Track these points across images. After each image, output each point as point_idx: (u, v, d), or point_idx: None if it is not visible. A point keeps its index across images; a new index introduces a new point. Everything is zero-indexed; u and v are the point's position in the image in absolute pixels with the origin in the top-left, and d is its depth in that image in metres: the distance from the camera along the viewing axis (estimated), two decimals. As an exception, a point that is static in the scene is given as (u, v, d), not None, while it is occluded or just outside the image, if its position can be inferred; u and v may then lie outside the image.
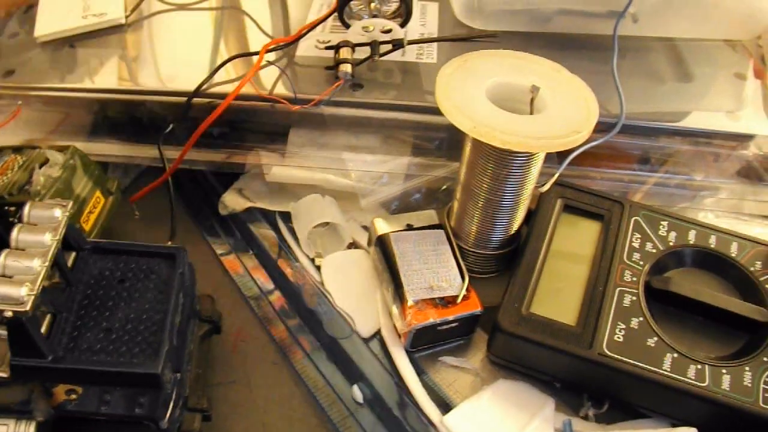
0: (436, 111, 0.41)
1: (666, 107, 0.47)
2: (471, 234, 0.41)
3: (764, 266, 0.40)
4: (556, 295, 0.38)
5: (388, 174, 0.44)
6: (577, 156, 0.42)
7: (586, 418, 0.37)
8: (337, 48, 0.45)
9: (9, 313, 0.29)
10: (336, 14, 0.46)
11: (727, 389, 0.35)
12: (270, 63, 0.46)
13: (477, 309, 0.38)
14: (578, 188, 0.43)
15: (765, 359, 0.36)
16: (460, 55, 0.39)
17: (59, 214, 0.33)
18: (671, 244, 0.41)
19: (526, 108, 0.38)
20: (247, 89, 0.43)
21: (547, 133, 0.35)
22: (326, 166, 0.44)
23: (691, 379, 0.35)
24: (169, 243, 0.41)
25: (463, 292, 0.38)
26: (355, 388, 0.38)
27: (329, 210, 0.43)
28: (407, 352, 0.39)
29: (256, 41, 0.49)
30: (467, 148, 0.38)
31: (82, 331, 0.33)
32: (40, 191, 0.39)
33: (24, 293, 0.30)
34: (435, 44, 0.48)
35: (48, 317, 0.33)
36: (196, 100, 0.44)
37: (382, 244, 0.41)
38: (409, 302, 0.38)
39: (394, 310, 0.39)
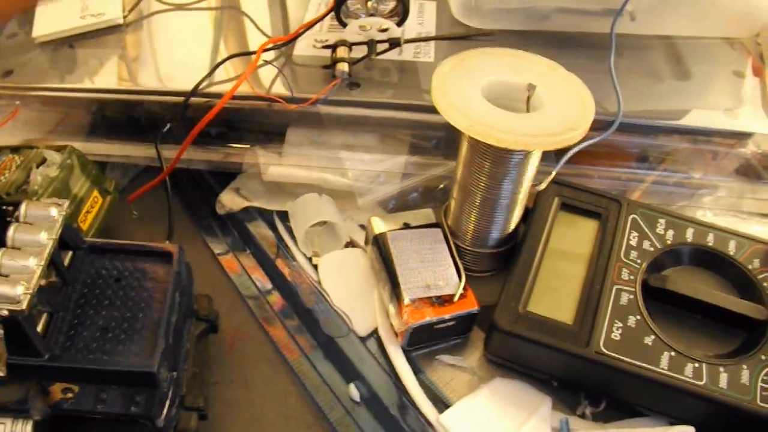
0: (434, 110, 0.41)
1: (664, 105, 0.47)
2: (468, 232, 0.41)
3: (762, 264, 0.40)
4: (554, 293, 0.38)
5: (385, 173, 0.44)
6: (574, 154, 0.41)
7: (583, 416, 0.37)
8: (333, 47, 0.45)
9: (5, 312, 0.30)
10: (333, 13, 0.46)
11: (725, 387, 0.34)
12: (267, 62, 0.46)
13: (474, 308, 0.38)
14: (575, 187, 0.43)
15: (763, 357, 0.35)
16: (457, 53, 0.39)
17: (55, 213, 0.33)
18: (669, 242, 0.40)
19: (522, 106, 0.38)
20: (244, 88, 0.44)
21: (543, 131, 0.35)
22: (323, 165, 0.44)
23: (688, 377, 0.35)
24: (167, 242, 0.41)
25: (460, 290, 0.38)
26: (352, 387, 0.38)
27: (326, 209, 0.43)
28: (404, 350, 0.39)
29: (255, 41, 0.49)
30: (464, 147, 0.38)
31: (79, 329, 0.33)
32: (37, 191, 0.39)
33: (20, 292, 0.30)
34: (432, 43, 0.48)
35: (45, 316, 0.33)
36: (193, 99, 0.44)
37: (379, 243, 0.41)
38: (406, 301, 0.38)
39: (391, 308, 0.39)
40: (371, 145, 0.45)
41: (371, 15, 0.46)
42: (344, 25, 0.46)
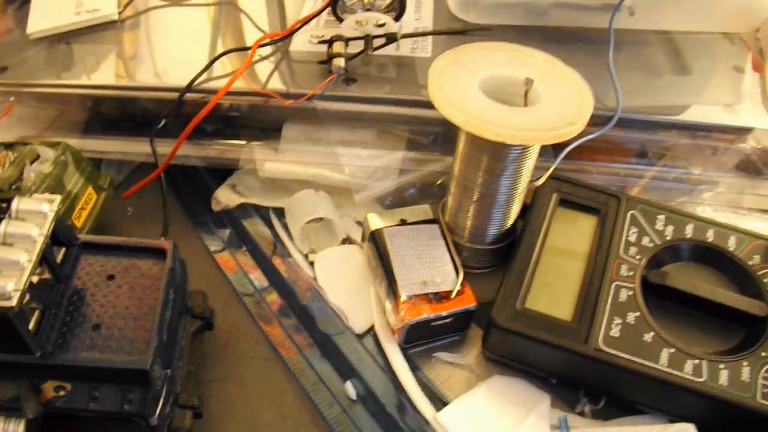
0: (431, 105, 0.40)
1: (663, 101, 0.46)
2: (466, 229, 0.41)
3: (762, 260, 0.39)
4: (552, 290, 0.38)
5: (382, 169, 0.44)
6: (573, 150, 0.41)
7: (582, 414, 0.37)
8: (330, 42, 0.44)
9: (-5, 309, 0.29)
10: (330, 9, 0.46)
11: (725, 384, 0.34)
12: (263, 58, 0.45)
13: (471, 304, 0.38)
14: (574, 182, 0.42)
15: (763, 354, 0.35)
16: (453, 48, 0.39)
17: (48, 208, 0.33)
18: (668, 238, 0.40)
19: (520, 101, 0.38)
20: (240, 84, 0.43)
21: (540, 125, 0.34)
22: (320, 161, 0.44)
23: (688, 374, 0.34)
24: (162, 239, 0.41)
25: (458, 287, 0.38)
26: (348, 385, 0.37)
27: (323, 205, 0.43)
28: (401, 348, 0.39)
29: (251, 37, 0.49)
30: (461, 142, 0.38)
31: (71, 327, 0.33)
32: (30, 188, 0.39)
33: (10, 288, 0.29)
34: (429, 38, 0.47)
35: (36, 313, 0.33)
36: (189, 95, 0.44)
37: (375, 240, 0.40)
38: (403, 297, 0.37)
39: (388, 305, 0.38)
40: (368, 140, 0.44)
41: (368, 10, 0.46)
42: (341, 20, 0.46)
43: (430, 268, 0.38)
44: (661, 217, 0.41)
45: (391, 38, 0.44)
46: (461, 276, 0.38)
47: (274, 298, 0.41)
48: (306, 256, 0.43)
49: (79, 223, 0.41)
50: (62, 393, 0.32)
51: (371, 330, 0.40)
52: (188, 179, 0.48)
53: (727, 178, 0.46)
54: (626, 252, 0.39)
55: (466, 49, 0.39)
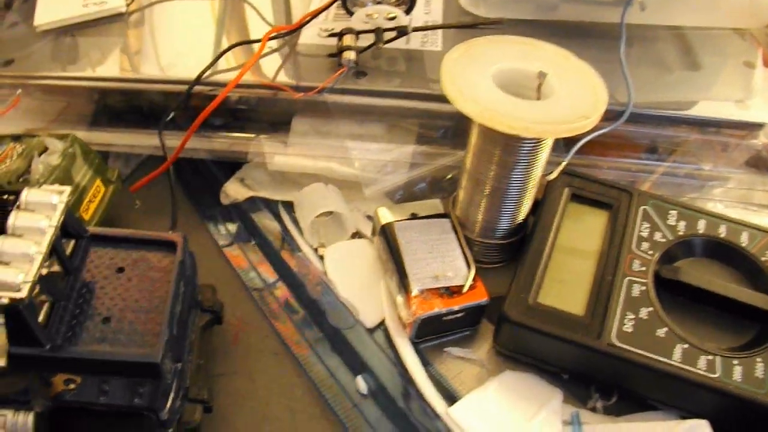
0: (441, 99, 0.40)
1: (674, 96, 0.46)
2: (477, 223, 0.41)
3: (775, 256, 0.39)
4: (564, 285, 0.38)
5: (392, 162, 0.44)
6: (584, 145, 0.41)
7: (594, 410, 0.36)
8: (340, 35, 0.44)
9: (5, 300, 0.29)
10: (339, 2, 0.45)
11: (739, 380, 0.34)
12: (271, 51, 0.45)
13: (483, 299, 0.38)
14: (586, 177, 0.42)
15: (777, 350, 0.35)
16: (465, 41, 0.39)
17: (57, 200, 0.32)
18: (680, 233, 0.40)
19: (532, 94, 0.38)
20: (249, 77, 0.43)
21: (554, 118, 0.34)
22: (329, 155, 0.43)
23: (701, 370, 0.34)
24: (170, 232, 0.41)
25: (470, 281, 0.38)
26: (359, 380, 0.37)
27: (332, 199, 0.42)
28: (412, 342, 0.38)
29: (259, 29, 0.49)
30: (473, 135, 0.38)
31: (81, 319, 0.32)
32: (39, 180, 0.38)
33: (20, 280, 0.29)
34: (439, 32, 0.47)
35: (46, 306, 0.32)
36: (197, 88, 0.43)
37: (386, 234, 0.40)
38: (414, 292, 0.37)
39: (399, 299, 0.38)
40: (378, 134, 0.44)
41: (378, 3, 0.45)
42: (351, 13, 0.45)
43: (442, 263, 0.38)
44: (673, 212, 0.41)
45: (401, 31, 0.44)
46: (473, 270, 0.38)
47: (283, 292, 0.41)
48: (315, 250, 0.43)
49: (87, 216, 0.41)
50: (72, 386, 0.32)
51: (382, 324, 0.39)
52: (196, 172, 0.48)
53: (737, 174, 0.45)
54: (638, 247, 0.39)
55: (479, 42, 0.39)
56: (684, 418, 0.36)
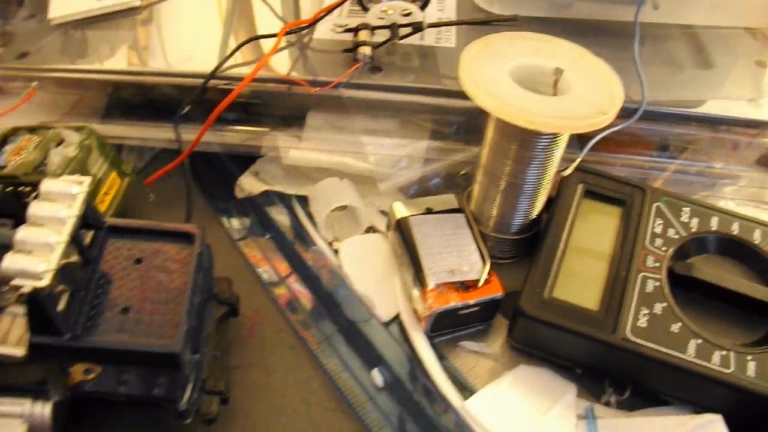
0: (455, 95, 0.41)
1: (686, 95, 0.46)
2: (491, 218, 0.41)
3: (788, 253, 0.39)
4: (579, 280, 0.38)
5: (407, 158, 0.44)
6: (597, 142, 0.41)
7: (608, 404, 0.37)
8: (356, 30, 0.44)
9: (27, 289, 0.29)
10: (354, -2, 0.46)
11: (753, 376, 0.34)
12: (285, 47, 0.45)
13: (498, 293, 0.38)
14: (599, 174, 0.42)
15: (791, 346, 0.35)
16: (481, 38, 0.39)
17: (77, 190, 0.32)
18: (693, 230, 0.40)
19: (548, 90, 0.38)
20: (263, 71, 0.43)
21: (572, 114, 0.34)
22: (344, 150, 0.44)
23: (715, 365, 0.34)
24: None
25: (485, 275, 0.38)
26: (375, 372, 0.37)
27: (347, 193, 0.43)
28: (427, 336, 0.38)
29: (271, 25, 0.49)
30: (490, 130, 0.38)
31: (100, 310, 0.33)
32: (55, 171, 0.38)
33: (42, 269, 0.29)
34: (453, 29, 0.47)
35: (65, 296, 0.32)
36: (210, 82, 0.43)
37: (401, 228, 0.40)
38: (430, 286, 0.37)
39: (415, 293, 0.38)
40: (392, 129, 0.44)
41: (393, -1, 0.46)
42: (366, 9, 0.46)
43: (457, 257, 0.38)
44: (686, 209, 0.41)
45: (417, 27, 0.44)
46: (488, 265, 0.38)
47: (297, 285, 0.41)
48: (330, 244, 0.43)
49: (102, 209, 0.41)
50: (91, 376, 0.32)
51: (396, 318, 0.40)
52: (209, 166, 0.48)
53: (748, 173, 0.46)
54: (652, 243, 0.39)
55: (495, 38, 0.39)
56: (697, 413, 0.36)
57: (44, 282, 0.29)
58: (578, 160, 0.40)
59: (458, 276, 0.38)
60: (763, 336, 0.36)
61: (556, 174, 0.40)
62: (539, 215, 0.41)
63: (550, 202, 0.41)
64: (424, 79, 0.44)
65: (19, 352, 0.32)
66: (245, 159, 0.47)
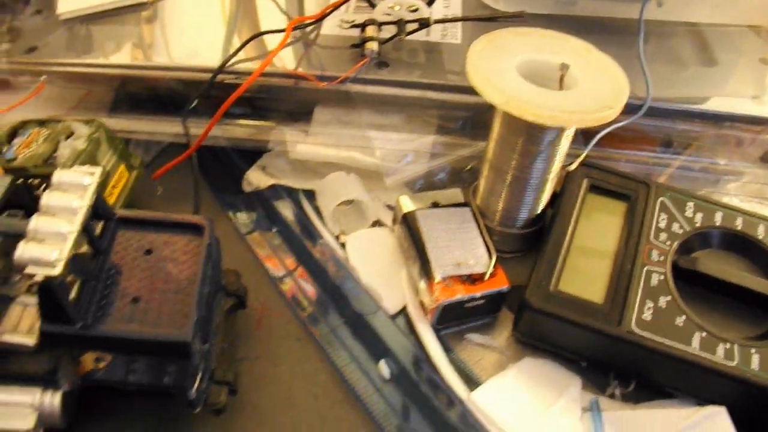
0: (461, 90, 0.41)
1: (690, 92, 0.47)
2: (497, 212, 0.41)
3: (792, 248, 0.39)
4: (584, 273, 0.38)
5: (413, 152, 0.44)
6: (602, 138, 0.42)
7: (612, 397, 0.37)
8: (363, 26, 0.45)
9: (39, 277, 0.29)
10: (362, -6, 0.46)
11: (757, 369, 0.34)
12: (293, 42, 0.46)
13: (504, 286, 0.38)
14: (604, 169, 0.43)
15: (795, 339, 0.35)
16: (487, 33, 0.39)
17: (88, 180, 0.33)
18: (698, 225, 0.40)
19: (555, 86, 0.38)
20: (270, 67, 0.43)
21: (579, 108, 0.35)
22: (351, 144, 0.44)
23: (720, 358, 0.35)
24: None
25: (491, 269, 0.38)
26: (382, 364, 0.37)
27: (354, 187, 0.43)
28: (433, 328, 0.39)
29: (276, 20, 0.49)
30: (496, 124, 0.38)
31: (110, 299, 0.33)
32: (65, 164, 0.39)
33: (54, 257, 0.29)
34: (459, 25, 0.48)
35: (76, 286, 0.33)
36: (218, 77, 0.44)
37: (407, 222, 0.40)
38: (437, 278, 0.37)
39: (422, 285, 0.38)
40: (399, 124, 0.44)
41: (400, -5, 0.46)
42: (373, 5, 0.46)
43: (464, 250, 0.39)
44: (691, 204, 0.41)
45: (423, 23, 0.45)
46: (494, 258, 0.38)
47: (304, 278, 0.41)
48: (337, 238, 0.43)
49: (110, 201, 0.41)
50: (102, 364, 0.32)
51: (403, 311, 0.40)
52: (217, 160, 0.48)
53: (752, 169, 0.46)
54: (656, 238, 0.39)
55: (501, 34, 0.39)
56: (701, 405, 0.36)
57: (57, 270, 0.29)
58: (583, 155, 0.40)
59: (464, 269, 0.38)
60: (766, 330, 0.37)
61: (561, 169, 0.40)
62: (544, 210, 0.42)
63: (555, 198, 0.42)
64: (430, 75, 0.44)
65: (30, 340, 0.32)
66: (252, 153, 0.47)
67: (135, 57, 0.47)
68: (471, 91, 0.35)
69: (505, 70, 0.37)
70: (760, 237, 0.40)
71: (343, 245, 0.43)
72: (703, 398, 0.36)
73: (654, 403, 0.37)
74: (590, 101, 0.35)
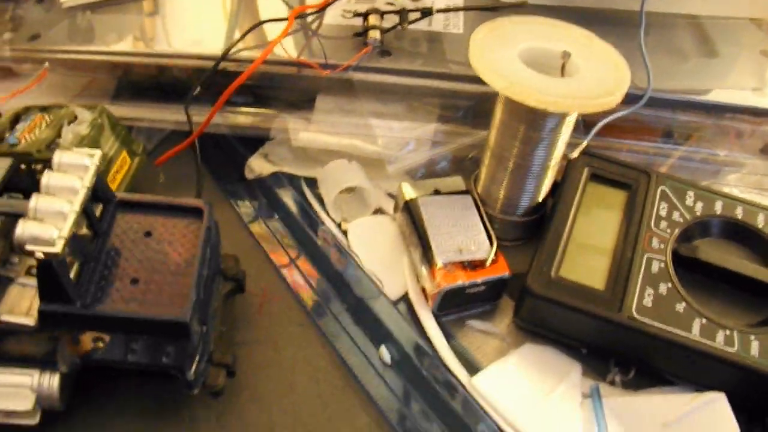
0: (463, 79, 0.41)
1: (691, 84, 0.47)
2: (498, 200, 0.41)
3: (792, 237, 0.39)
4: (585, 260, 0.38)
5: (414, 141, 0.44)
6: (603, 127, 0.41)
7: (613, 383, 0.37)
8: (365, 15, 0.45)
9: (40, 255, 0.29)
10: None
11: (756, 355, 0.34)
12: (295, 30, 0.46)
13: (505, 273, 0.38)
14: (605, 158, 0.43)
15: (795, 326, 0.35)
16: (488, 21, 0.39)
17: (89, 162, 0.33)
18: (698, 213, 0.40)
19: (556, 73, 0.38)
20: (274, 54, 0.43)
21: (581, 94, 0.35)
22: (353, 132, 0.44)
23: (720, 344, 0.35)
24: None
25: (492, 255, 0.38)
26: (383, 349, 0.37)
27: (355, 174, 0.43)
28: (434, 315, 0.39)
29: (277, 9, 0.49)
30: (498, 111, 0.38)
31: (110, 280, 0.33)
32: (67, 149, 0.39)
33: (55, 235, 0.29)
34: (461, 15, 0.48)
35: (75, 266, 0.33)
36: (221, 64, 0.44)
37: (409, 209, 0.40)
38: (439, 264, 0.37)
39: (423, 271, 0.38)
40: (401, 113, 0.44)
41: (403, -16, 0.46)
42: (375, -6, 0.46)
43: (465, 237, 0.39)
44: (691, 193, 0.41)
45: (426, 12, 0.45)
46: (495, 245, 0.38)
47: (306, 265, 0.41)
48: (339, 225, 0.43)
49: (113, 187, 0.41)
50: (101, 344, 0.32)
51: (404, 297, 0.40)
52: (219, 148, 0.48)
53: (752, 160, 0.46)
54: (657, 226, 0.39)
55: (503, 22, 0.39)
56: (701, 392, 0.36)
57: (57, 248, 0.29)
58: (584, 144, 0.40)
59: (466, 255, 0.38)
60: (767, 317, 0.37)
61: (562, 158, 0.40)
62: (545, 199, 0.42)
63: (556, 187, 0.42)
64: (432, 64, 0.45)
65: (30, 321, 0.32)
66: (254, 141, 0.47)
67: (137, 45, 0.48)
68: (473, 79, 0.35)
69: (507, 57, 0.37)
70: (760, 226, 0.40)
71: (344, 232, 0.43)
72: (702, 384, 0.36)
73: (654, 390, 0.37)
74: (592, 88, 0.36)
